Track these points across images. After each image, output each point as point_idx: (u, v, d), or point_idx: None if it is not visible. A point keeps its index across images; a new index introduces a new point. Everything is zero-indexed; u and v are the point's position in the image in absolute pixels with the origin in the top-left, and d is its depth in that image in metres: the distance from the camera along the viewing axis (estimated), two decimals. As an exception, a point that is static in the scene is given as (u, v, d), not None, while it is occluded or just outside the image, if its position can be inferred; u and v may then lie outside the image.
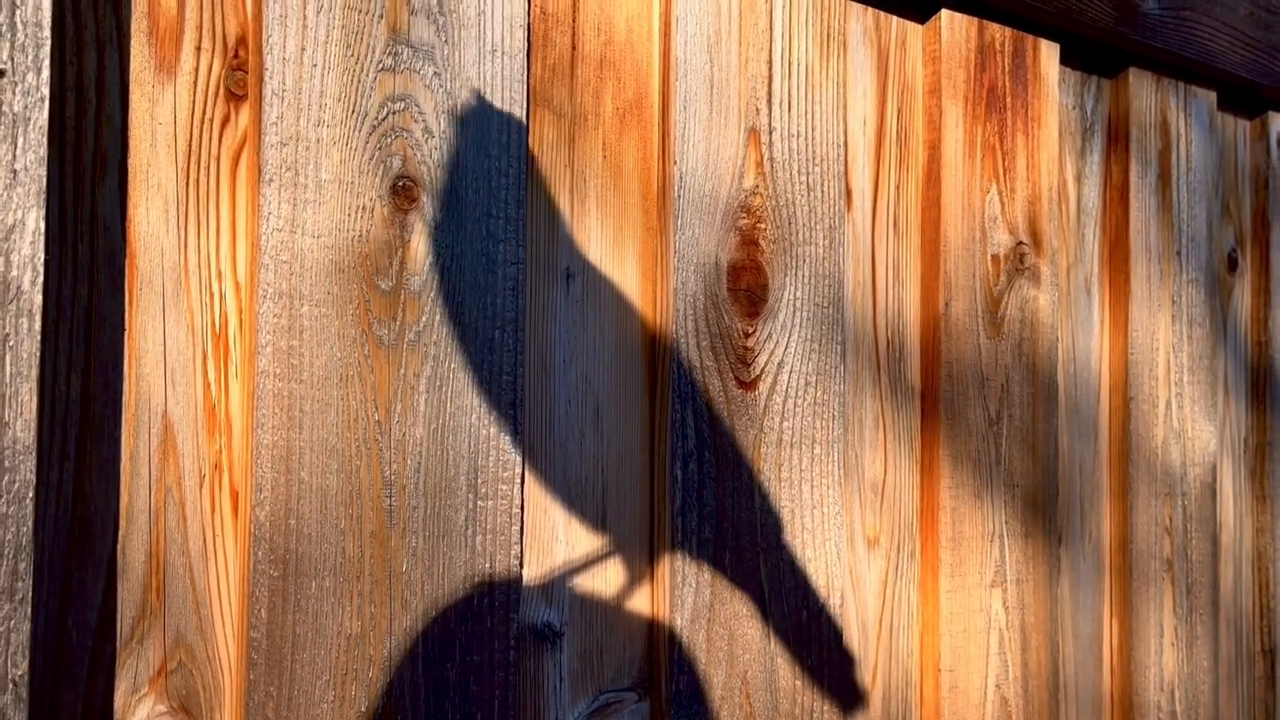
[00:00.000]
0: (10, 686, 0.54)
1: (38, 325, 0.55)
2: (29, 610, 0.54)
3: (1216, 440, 1.27)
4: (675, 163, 0.83)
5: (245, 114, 0.68)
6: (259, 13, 0.66)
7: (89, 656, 0.61)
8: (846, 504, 0.95)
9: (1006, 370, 1.03)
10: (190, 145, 0.66)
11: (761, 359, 0.87)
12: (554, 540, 0.80)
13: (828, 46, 0.92)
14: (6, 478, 0.53)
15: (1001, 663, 1.02)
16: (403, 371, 0.70)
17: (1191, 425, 1.21)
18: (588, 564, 0.81)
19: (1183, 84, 1.23)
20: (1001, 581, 1.02)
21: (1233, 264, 1.31)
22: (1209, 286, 1.24)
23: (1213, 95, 1.26)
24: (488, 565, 0.73)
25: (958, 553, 0.99)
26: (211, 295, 0.67)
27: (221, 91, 0.67)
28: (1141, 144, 1.18)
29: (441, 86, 0.73)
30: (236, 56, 0.68)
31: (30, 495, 0.54)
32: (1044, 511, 1.06)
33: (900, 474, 0.99)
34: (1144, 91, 1.19)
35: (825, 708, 0.89)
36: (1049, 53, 1.08)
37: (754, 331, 0.87)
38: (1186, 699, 1.19)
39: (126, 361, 0.63)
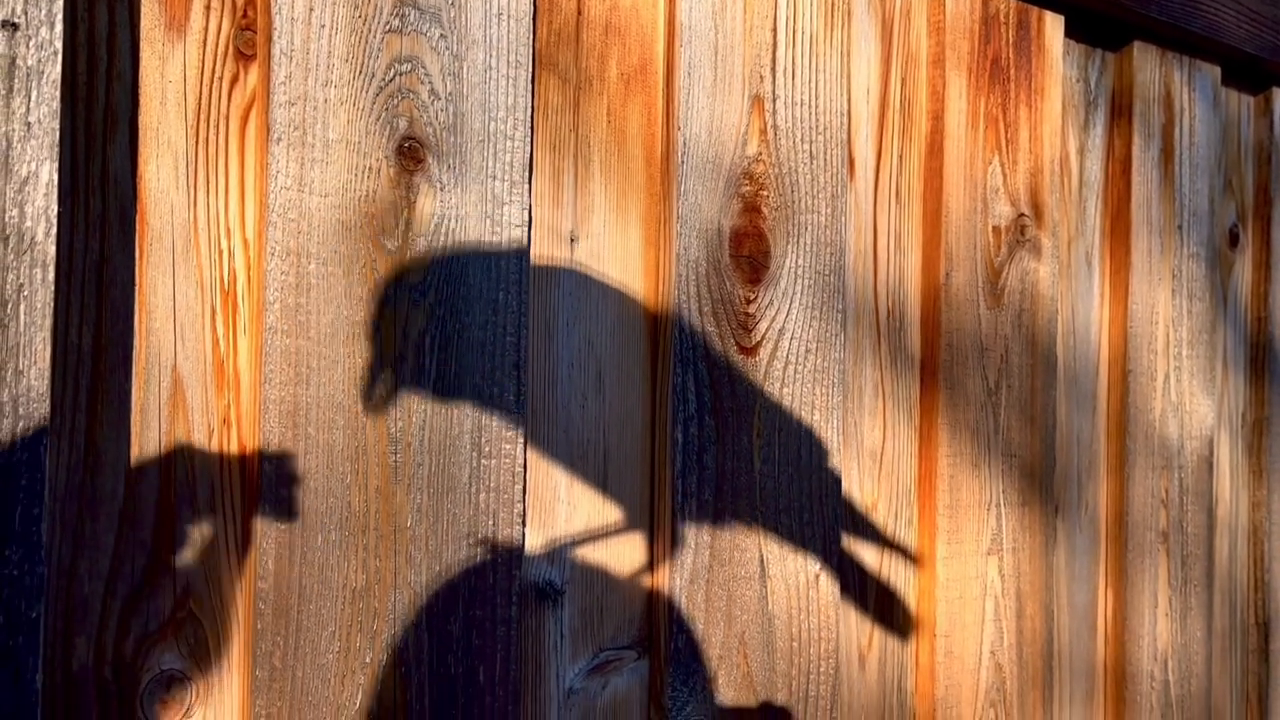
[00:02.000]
0: (24, 628, 0.55)
1: (51, 276, 0.56)
2: (42, 554, 0.55)
3: (1214, 414, 1.28)
4: (679, 128, 0.84)
5: (254, 73, 0.69)
6: (268, -28, 0.67)
7: (100, 603, 0.63)
8: (845, 470, 0.96)
9: (1006, 341, 1.04)
10: (200, 103, 0.67)
11: (762, 325, 0.88)
12: (556, 500, 0.81)
13: (832, 15, 0.92)
14: (21, 424, 0.54)
15: (996, 629, 1.04)
16: (408, 330, 0.71)
17: (1189, 399, 1.22)
18: (589, 524, 0.83)
19: (1187, 58, 1.23)
20: (998, 549, 1.04)
21: (1234, 239, 1.32)
22: (1210, 261, 1.24)
23: (1217, 70, 1.26)
24: (491, 522, 0.75)
25: (954, 520, 1.00)
26: (220, 252, 0.68)
27: (230, 51, 0.68)
28: (1145, 118, 1.19)
29: (448, 49, 0.73)
30: (245, 16, 0.69)
31: (44, 442, 0.55)
32: (1041, 481, 1.07)
33: (899, 442, 1.00)
34: (1148, 65, 1.19)
35: (821, 669, 0.90)
36: (1053, 25, 1.08)
37: (755, 298, 0.87)
38: (1179, 669, 1.21)
39: (137, 316, 0.64)
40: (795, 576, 0.89)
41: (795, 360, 0.89)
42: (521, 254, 0.76)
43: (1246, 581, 1.34)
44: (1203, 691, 1.23)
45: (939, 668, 1.00)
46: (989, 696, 1.03)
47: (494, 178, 0.75)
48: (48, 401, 0.55)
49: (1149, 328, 1.18)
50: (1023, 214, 1.06)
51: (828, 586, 0.91)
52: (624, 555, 0.84)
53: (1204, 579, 1.23)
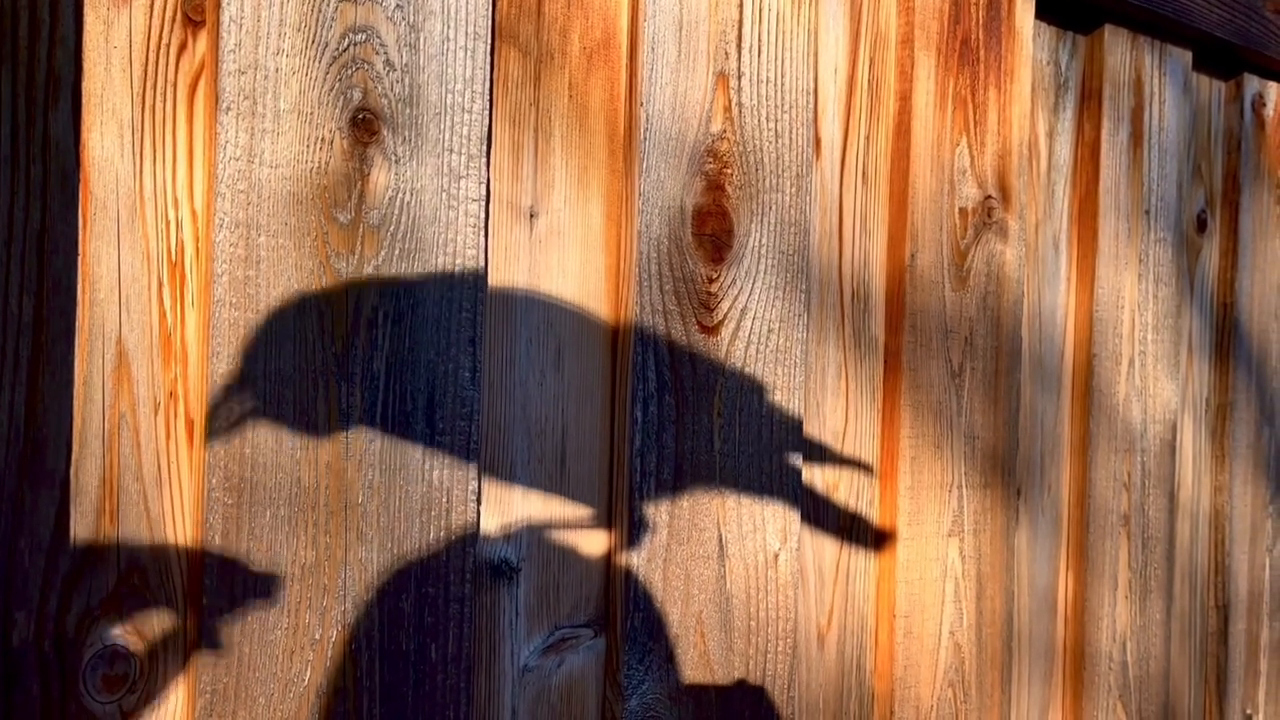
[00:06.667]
0: (-41, 602, 0.54)
1: (-14, 244, 0.55)
2: (-22, 527, 0.54)
3: (1178, 399, 1.28)
4: (642, 104, 0.83)
5: (203, 41, 0.68)
6: (217, -63, 0.65)
7: (41, 577, 0.62)
8: (807, 451, 0.96)
9: (971, 324, 1.04)
10: (146, 71, 0.66)
11: (724, 304, 0.87)
12: (513, 477, 0.80)
13: (800, -8, 0.91)
14: (-46, 395, 0.53)
15: (956, 610, 1.04)
16: (360, 305, 0.70)
17: (1154, 383, 1.22)
18: (547, 501, 0.82)
19: (1158, 42, 1.22)
20: (959, 531, 1.04)
21: (1202, 225, 1.32)
22: (1177, 246, 1.25)
23: (1188, 55, 1.26)
24: (445, 500, 0.74)
25: (916, 501, 1.01)
26: (168, 223, 0.66)
27: (179, 17, 0.67)
28: (1115, 102, 1.19)
29: (404, 19, 0.72)
30: (194, -19, 0.67)
31: (-22, 413, 0.54)
32: (1004, 464, 1.07)
33: (861, 423, 1.00)
34: (1119, 49, 1.19)
35: (779, 649, 0.90)
36: (1024, 6, 1.08)
37: (718, 277, 0.87)
38: (1138, 650, 1.22)
39: (80, 286, 0.63)
40: (754, 556, 0.89)
41: (757, 340, 0.89)
42: (478, 228, 0.75)
43: (1207, 565, 1.35)
44: (1161, 673, 1.25)
45: (898, 648, 1.00)
46: (947, 676, 1.03)
47: (451, 151, 0.74)
48: (-18, 372, 0.54)
49: (1115, 312, 1.18)
50: (990, 196, 1.05)
51: (787, 566, 0.91)
52: (581, 533, 0.84)
53: (1164, 562, 1.24)
